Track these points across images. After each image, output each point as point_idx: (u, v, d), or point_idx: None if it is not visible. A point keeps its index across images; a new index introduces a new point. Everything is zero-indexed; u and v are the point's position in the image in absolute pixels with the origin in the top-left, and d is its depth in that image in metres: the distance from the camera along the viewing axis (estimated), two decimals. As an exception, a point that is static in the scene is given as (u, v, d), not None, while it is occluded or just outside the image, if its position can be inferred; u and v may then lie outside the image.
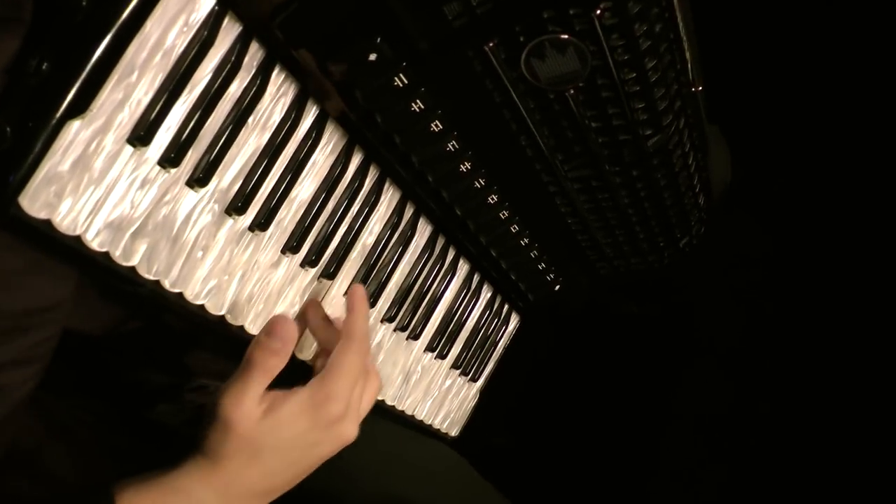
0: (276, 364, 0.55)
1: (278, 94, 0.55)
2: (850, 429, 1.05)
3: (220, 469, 0.54)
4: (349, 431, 0.59)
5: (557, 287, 0.89)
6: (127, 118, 0.46)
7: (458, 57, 0.54)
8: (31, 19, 0.44)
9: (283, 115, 0.56)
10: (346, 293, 0.67)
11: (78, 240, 0.47)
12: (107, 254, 0.48)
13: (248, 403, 0.54)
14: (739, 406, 1.12)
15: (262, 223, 0.57)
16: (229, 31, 0.50)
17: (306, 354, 0.65)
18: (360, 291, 0.64)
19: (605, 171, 0.69)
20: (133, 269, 0.50)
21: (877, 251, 1.09)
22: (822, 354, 1.09)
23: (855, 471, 1.04)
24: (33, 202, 0.43)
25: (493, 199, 0.70)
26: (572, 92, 0.59)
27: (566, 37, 0.54)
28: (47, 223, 0.45)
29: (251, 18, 0.50)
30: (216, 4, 0.48)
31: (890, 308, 1.07)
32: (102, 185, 0.47)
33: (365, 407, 0.62)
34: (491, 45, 0.53)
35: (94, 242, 0.47)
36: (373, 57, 0.52)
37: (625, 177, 0.71)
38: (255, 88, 0.53)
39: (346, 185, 0.64)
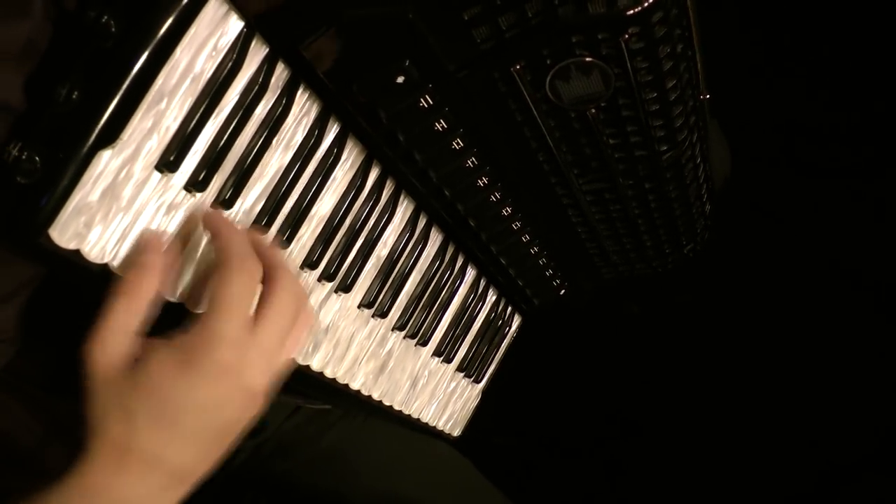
0: (141, 286, 0.44)
1: (301, 114, 0.54)
2: (851, 429, 1.07)
3: (96, 454, 0.43)
4: (257, 383, 0.46)
5: (562, 292, 0.90)
6: (156, 145, 0.46)
7: (484, 78, 0.54)
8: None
9: (305, 133, 0.55)
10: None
11: (105, 266, 0.46)
12: (133, 280, 0.48)
13: (108, 340, 0.43)
14: (740, 406, 1.14)
15: (283, 241, 0.57)
16: (256, 53, 0.49)
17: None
18: (215, 213, 0.51)
19: (619, 185, 0.70)
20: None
21: (877, 249, 1.10)
22: (822, 354, 1.11)
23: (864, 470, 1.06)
24: (63, 234, 0.43)
25: (506, 211, 0.70)
26: (593, 111, 0.59)
27: (592, 60, 0.53)
28: (76, 252, 0.44)
29: (278, 40, 0.49)
30: (244, 27, 0.48)
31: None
32: (130, 213, 0.46)
33: (291, 348, 0.49)
34: (517, 67, 0.53)
35: (121, 269, 0.47)
36: (400, 80, 0.52)
37: (637, 189, 0.71)
38: (280, 109, 0.52)
39: (363, 200, 0.63)
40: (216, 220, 0.49)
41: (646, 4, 0.51)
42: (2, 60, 0.43)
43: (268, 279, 0.48)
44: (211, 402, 0.44)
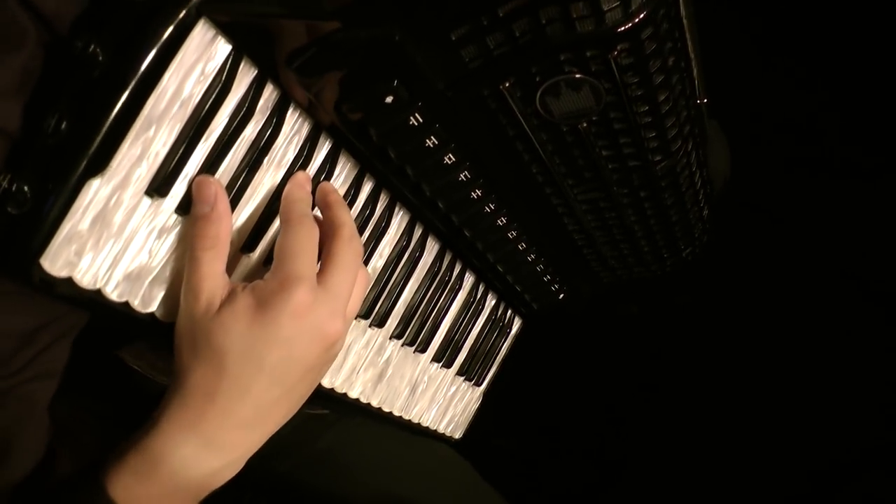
0: (216, 233, 0.48)
1: (292, 132, 0.55)
2: (851, 429, 1.07)
3: (188, 396, 0.47)
4: (330, 324, 0.49)
5: (561, 296, 0.90)
6: (145, 172, 0.46)
7: (473, 95, 0.54)
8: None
9: (297, 151, 0.56)
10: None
11: (98, 292, 0.47)
12: (126, 303, 0.49)
13: (203, 287, 0.47)
14: (740, 406, 1.14)
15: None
16: (245, 75, 0.50)
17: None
18: (330, 186, 0.57)
19: (614, 194, 0.69)
20: (153, 314, 0.51)
21: (877, 249, 1.10)
22: (821, 354, 1.10)
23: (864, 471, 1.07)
24: (54, 263, 0.43)
25: (502, 221, 0.70)
26: (585, 125, 0.59)
27: (581, 76, 0.53)
28: (68, 280, 0.45)
29: (267, 62, 0.50)
30: (232, 50, 0.48)
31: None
32: (121, 239, 0.46)
33: (354, 303, 0.54)
34: (507, 84, 0.53)
35: (114, 294, 0.47)
36: (389, 99, 0.52)
37: (633, 197, 0.71)
38: (270, 129, 0.52)
39: (357, 213, 0.64)
40: (328, 192, 0.55)
41: (635, 21, 0.50)
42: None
43: (331, 235, 0.53)
44: (292, 339, 0.48)
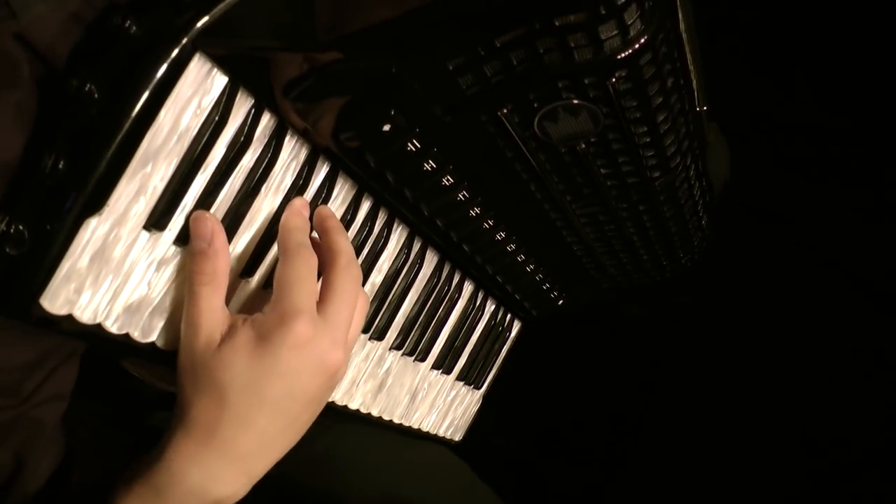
0: (213, 268, 0.48)
1: (290, 158, 0.55)
2: (851, 429, 1.08)
3: (191, 429, 0.48)
4: (332, 355, 0.50)
5: (561, 302, 0.90)
6: (143, 207, 0.46)
7: (471, 120, 0.54)
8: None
9: (294, 176, 0.56)
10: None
11: (98, 326, 0.47)
12: (126, 335, 0.49)
13: (202, 322, 0.47)
14: (741, 407, 1.15)
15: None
16: (242, 105, 0.49)
17: None
18: (328, 210, 0.57)
19: (613, 208, 0.69)
20: (153, 343, 0.51)
21: (877, 249, 1.10)
22: (822, 355, 1.11)
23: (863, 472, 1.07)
24: (54, 302, 0.44)
25: (500, 235, 0.70)
26: (583, 146, 0.59)
27: (580, 102, 0.53)
28: (68, 317, 0.45)
29: (263, 92, 0.49)
30: (228, 82, 0.48)
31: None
32: (120, 273, 0.47)
33: (355, 329, 0.54)
34: (504, 110, 0.53)
35: (114, 328, 0.48)
36: (387, 127, 0.51)
37: (632, 211, 0.71)
38: (268, 156, 0.52)
39: (356, 232, 0.64)
40: (325, 217, 0.56)
41: (634, 48, 0.50)
42: None
43: (329, 263, 0.53)
44: (293, 372, 0.48)
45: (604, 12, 0.47)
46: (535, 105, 0.53)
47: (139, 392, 0.82)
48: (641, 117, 0.57)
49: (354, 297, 0.53)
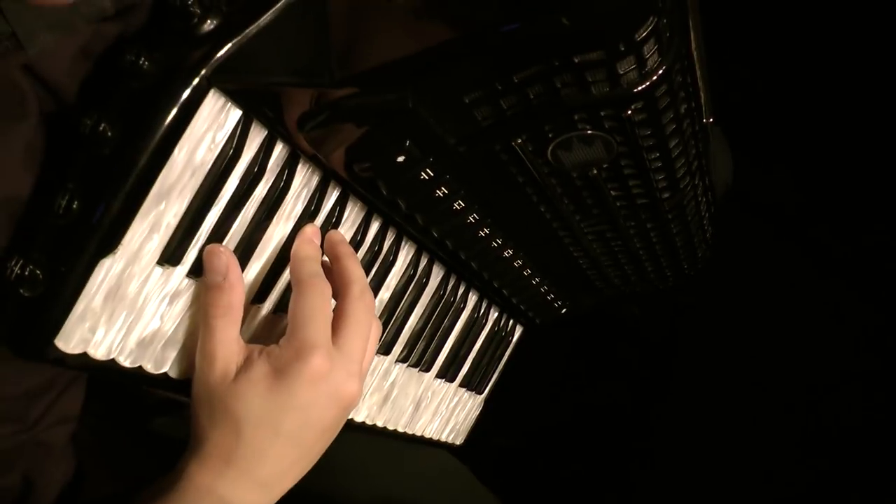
0: (229, 301, 0.48)
1: (302, 187, 0.54)
2: (852, 429, 1.09)
3: (206, 459, 0.48)
4: (348, 387, 0.50)
5: (564, 310, 0.91)
6: (156, 244, 0.46)
7: (485, 150, 0.54)
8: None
9: (305, 203, 0.55)
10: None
11: (112, 361, 0.47)
12: (139, 367, 0.49)
13: (218, 354, 0.48)
14: (742, 407, 1.16)
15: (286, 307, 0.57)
16: (255, 137, 0.49)
17: None
18: (339, 236, 0.57)
19: (621, 226, 0.69)
20: (165, 374, 0.51)
21: (878, 250, 1.10)
22: (823, 355, 1.12)
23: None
24: (69, 342, 0.43)
25: (508, 252, 0.70)
26: (595, 172, 0.59)
27: (594, 132, 0.53)
28: (82, 355, 0.45)
29: (277, 125, 0.49)
30: (242, 116, 0.47)
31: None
32: (134, 310, 0.46)
33: (369, 357, 0.54)
34: (519, 141, 0.53)
35: (127, 362, 0.47)
36: (401, 159, 0.51)
37: (639, 228, 0.71)
38: (280, 185, 0.52)
39: (364, 252, 0.63)
40: (336, 243, 0.56)
41: (652, 80, 0.50)
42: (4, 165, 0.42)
43: (342, 293, 0.53)
44: (308, 405, 0.48)
45: (623, 49, 0.46)
46: (550, 135, 0.52)
47: (140, 397, 0.83)
48: (654, 144, 0.57)
49: (368, 326, 0.53)
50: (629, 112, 0.51)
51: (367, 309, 0.53)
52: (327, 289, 0.52)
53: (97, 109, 0.42)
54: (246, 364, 0.48)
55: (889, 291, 1.09)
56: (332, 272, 0.55)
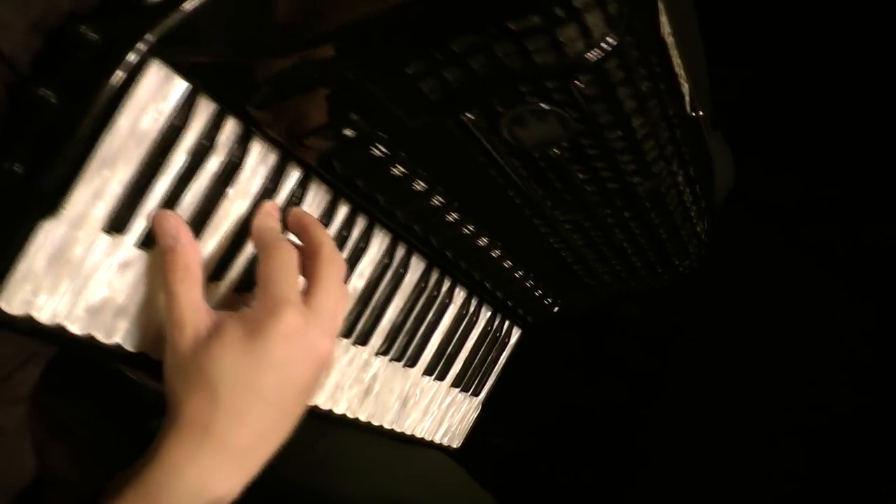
0: (185, 263, 0.48)
1: (258, 164, 0.55)
2: (852, 429, 1.05)
3: (184, 429, 0.47)
4: (322, 344, 0.50)
5: (556, 309, 0.89)
6: (102, 211, 0.47)
7: (437, 125, 0.54)
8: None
9: (263, 181, 0.56)
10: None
11: (59, 327, 0.48)
12: (90, 336, 0.50)
13: (184, 319, 0.47)
14: (742, 407, 1.13)
15: (246, 287, 0.58)
16: (203, 111, 0.50)
17: None
18: (301, 210, 0.57)
19: (598, 214, 0.69)
20: (119, 345, 0.52)
21: (879, 250, 1.07)
22: (823, 356, 1.08)
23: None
24: (10, 302, 0.44)
25: (482, 241, 0.70)
26: (556, 151, 0.58)
27: (545, 106, 0.53)
28: (27, 317, 0.46)
29: (225, 98, 0.50)
30: (188, 88, 0.48)
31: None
32: (80, 276, 0.47)
33: (339, 319, 0.54)
34: (469, 115, 0.53)
35: (75, 328, 0.48)
36: (349, 132, 0.52)
37: (617, 217, 0.70)
38: (234, 162, 0.53)
39: (333, 237, 0.64)
40: (300, 215, 0.56)
41: (597, 52, 0.49)
42: None
43: (312, 256, 0.52)
44: (284, 362, 0.48)
45: (561, 15, 0.46)
46: (500, 109, 0.52)
47: (138, 396, 0.84)
48: (614, 121, 0.56)
49: (340, 286, 0.53)
50: (578, 83, 0.51)
51: (338, 270, 0.53)
52: (294, 250, 0.51)
53: (43, 77, 0.44)
54: (217, 327, 0.48)
55: (889, 291, 1.05)
56: (301, 241, 0.55)
